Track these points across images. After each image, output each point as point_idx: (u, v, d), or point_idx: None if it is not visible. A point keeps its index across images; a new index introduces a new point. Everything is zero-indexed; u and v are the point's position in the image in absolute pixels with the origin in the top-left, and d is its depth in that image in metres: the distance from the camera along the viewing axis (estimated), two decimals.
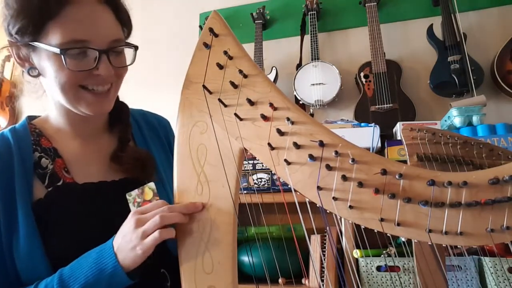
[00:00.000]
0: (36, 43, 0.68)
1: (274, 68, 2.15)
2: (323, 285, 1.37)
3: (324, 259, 1.40)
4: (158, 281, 0.76)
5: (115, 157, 0.79)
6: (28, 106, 2.84)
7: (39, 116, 0.85)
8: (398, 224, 0.46)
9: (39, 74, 0.74)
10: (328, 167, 0.48)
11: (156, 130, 0.92)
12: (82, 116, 0.76)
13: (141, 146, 0.86)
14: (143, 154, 0.81)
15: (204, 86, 0.55)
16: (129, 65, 0.76)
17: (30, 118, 0.84)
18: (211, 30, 0.54)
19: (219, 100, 0.54)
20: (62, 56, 0.66)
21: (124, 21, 0.76)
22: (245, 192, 1.54)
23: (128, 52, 0.79)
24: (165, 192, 0.81)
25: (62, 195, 0.73)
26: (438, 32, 1.93)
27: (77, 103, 0.72)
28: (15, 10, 0.68)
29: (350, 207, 0.48)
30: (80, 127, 0.80)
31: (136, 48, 0.75)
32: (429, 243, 0.46)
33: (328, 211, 0.49)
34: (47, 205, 0.71)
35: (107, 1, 0.71)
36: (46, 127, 0.81)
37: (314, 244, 1.43)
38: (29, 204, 0.70)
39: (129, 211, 0.69)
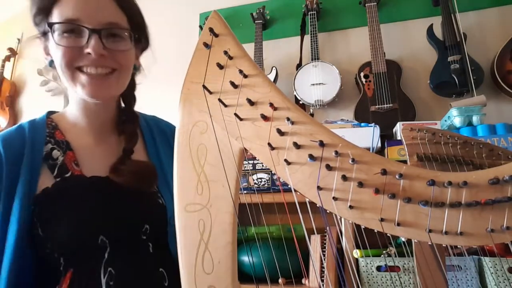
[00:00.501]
0: (45, 29, 0.73)
1: (274, 68, 2.15)
2: (323, 285, 1.37)
3: (324, 259, 1.40)
4: (156, 280, 0.76)
5: (114, 169, 0.79)
6: (28, 106, 2.84)
7: (58, 111, 0.88)
8: (398, 224, 0.46)
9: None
10: (328, 167, 0.48)
11: (167, 137, 0.93)
12: (93, 107, 0.80)
13: (151, 150, 0.87)
14: (143, 167, 0.81)
15: (204, 86, 0.55)
16: (128, 49, 0.77)
17: (50, 112, 0.87)
18: (211, 30, 0.54)
19: (219, 100, 0.54)
20: (50, 31, 0.71)
21: (127, 9, 0.77)
22: (245, 192, 1.54)
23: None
24: (172, 198, 0.81)
25: (69, 186, 0.75)
26: (438, 32, 1.93)
27: (74, 84, 0.74)
28: (31, 1, 0.74)
29: (350, 207, 0.48)
30: (91, 119, 0.83)
31: (132, 33, 0.77)
32: (429, 243, 0.45)
33: (328, 211, 0.49)
34: (53, 195, 0.73)
35: None
36: (62, 121, 0.84)
37: (314, 244, 1.43)
38: (26, 193, 0.71)
39: (131, 207, 0.73)
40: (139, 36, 0.81)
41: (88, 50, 0.70)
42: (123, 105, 0.89)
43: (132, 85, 0.88)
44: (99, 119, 0.83)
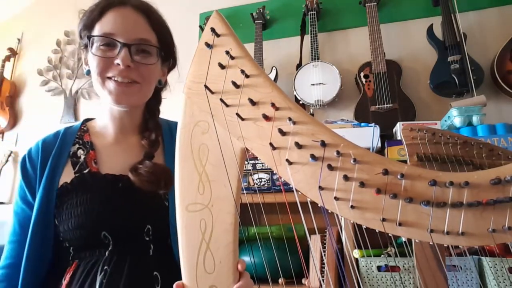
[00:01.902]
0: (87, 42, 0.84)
1: (274, 68, 2.15)
2: (323, 284, 1.37)
3: (325, 259, 1.40)
4: (147, 283, 0.78)
5: (134, 168, 0.84)
6: (28, 106, 2.84)
7: (94, 118, 0.98)
8: (400, 224, 0.46)
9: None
10: (330, 167, 0.48)
11: None
12: (118, 114, 0.89)
13: (168, 155, 0.92)
14: (161, 170, 0.85)
15: (205, 86, 0.55)
16: (152, 63, 0.85)
17: (86, 120, 0.97)
18: (212, 30, 0.54)
19: (221, 100, 0.54)
20: (89, 41, 0.82)
21: (158, 30, 0.88)
22: (245, 192, 1.54)
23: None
24: None
25: (84, 181, 0.83)
26: (438, 32, 1.93)
27: (104, 90, 0.83)
28: (80, 18, 0.87)
29: (352, 207, 0.48)
30: (117, 124, 0.91)
31: (158, 48, 0.86)
32: (431, 243, 0.46)
33: (329, 211, 0.49)
34: (69, 188, 0.82)
35: (141, 10, 0.85)
36: (93, 125, 0.95)
37: (315, 243, 1.43)
38: (47, 186, 0.81)
39: (135, 205, 0.80)
40: (167, 54, 0.91)
41: (118, 61, 0.80)
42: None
43: (158, 99, 0.97)
44: (123, 125, 0.91)
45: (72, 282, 0.76)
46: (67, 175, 0.84)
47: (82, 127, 0.93)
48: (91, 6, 0.86)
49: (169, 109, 1.04)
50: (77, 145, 0.89)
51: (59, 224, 0.80)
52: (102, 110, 0.92)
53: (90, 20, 0.84)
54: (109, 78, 0.82)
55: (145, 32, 0.85)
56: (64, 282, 0.77)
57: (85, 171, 0.84)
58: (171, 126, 0.98)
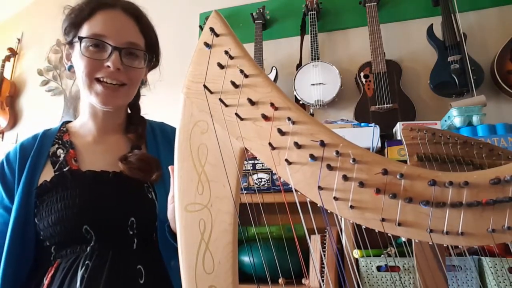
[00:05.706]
0: (73, 40, 0.85)
1: (274, 68, 2.15)
2: (323, 285, 1.37)
3: (325, 259, 1.40)
4: (130, 277, 0.78)
5: (124, 158, 0.86)
6: (28, 106, 2.84)
7: (73, 121, 0.98)
8: (399, 224, 0.46)
9: (74, 71, 0.87)
10: (329, 167, 0.48)
11: (169, 139, 0.98)
12: (101, 113, 0.89)
13: (151, 150, 0.93)
14: (149, 158, 0.88)
15: (205, 86, 0.55)
16: (141, 67, 0.87)
17: (66, 122, 0.97)
18: (212, 29, 0.54)
19: (220, 100, 0.54)
20: (79, 42, 0.82)
21: (146, 33, 0.89)
22: (245, 192, 1.54)
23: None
24: (165, 194, 0.83)
25: (64, 178, 0.82)
26: (438, 32, 1.93)
27: (90, 92, 0.83)
28: (66, 15, 0.87)
29: (351, 207, 0.48)
30: (98, 123, 0.91)
31: (146, 53, 0.88)
32: (430, 243, 0.45)
33: (329, 211, 0.49)
34: (49, 186, 0.81)
35: (131, 13, 0.86)
36: (73, 125, 0.95)
37: (315, 244, 1.43)
38: (26, 186, 0.81)
39: (118, 199, 0.79)
40: (152, 57, 0.93)
41: (108, 63, 0.80)
42: (129, 111, 0.99)
43: (137, 96, 0.98)
44: (106, 124, 0.92)
45: (53, 282, 0.75)
46: (47, 174, 0.83)
47: (62, 128, 0.93)
48: (80, 4, 0.86)
49: (151, 106, 1.05)
50: (56, 145, 0.88)
51: (39, 222, 0.79)
52: (82, 108, 0.92)
53: (79, 18, 0.84)
54: (97, 79, 0.82)
55: (135, 36, 0.86)
56: (46, 282, 0.76)
57: (65, 169, 0.84)
58: (153, 127, 0.99)
